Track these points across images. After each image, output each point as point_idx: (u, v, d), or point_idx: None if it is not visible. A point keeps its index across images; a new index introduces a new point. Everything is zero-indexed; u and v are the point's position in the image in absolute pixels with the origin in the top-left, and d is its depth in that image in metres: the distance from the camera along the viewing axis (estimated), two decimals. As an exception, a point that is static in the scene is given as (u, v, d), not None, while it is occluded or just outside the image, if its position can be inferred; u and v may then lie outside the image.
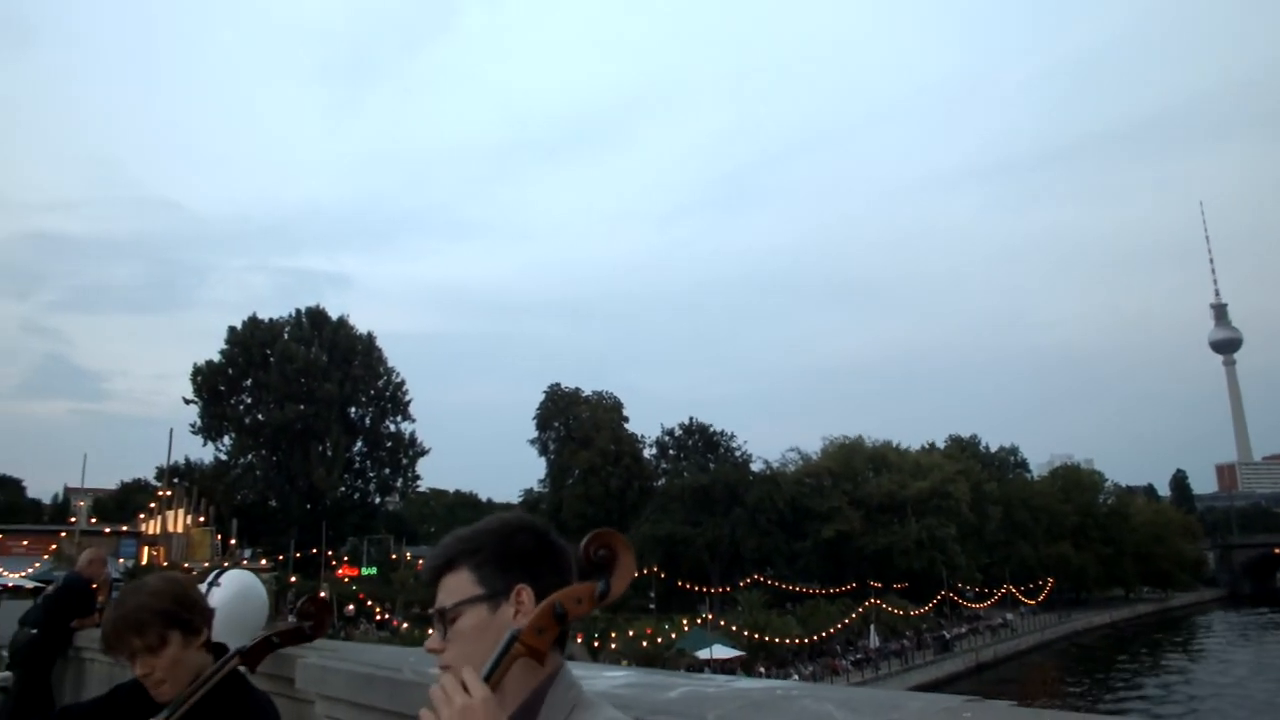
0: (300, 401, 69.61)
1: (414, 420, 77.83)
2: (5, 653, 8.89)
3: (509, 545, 1.53)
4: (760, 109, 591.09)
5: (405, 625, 47.95)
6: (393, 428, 76.93)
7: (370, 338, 76.64)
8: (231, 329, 72.70)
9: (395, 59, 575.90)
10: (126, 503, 68.12)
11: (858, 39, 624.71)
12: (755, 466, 79.52)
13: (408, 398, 77.39)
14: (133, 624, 2.52)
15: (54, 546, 45.13)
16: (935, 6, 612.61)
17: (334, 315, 75.73)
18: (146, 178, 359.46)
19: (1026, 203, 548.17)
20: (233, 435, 71.38)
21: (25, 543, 48.53)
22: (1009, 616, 73.58)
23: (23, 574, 39.34)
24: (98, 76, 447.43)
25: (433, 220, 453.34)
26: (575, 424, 78.27)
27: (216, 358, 71.62)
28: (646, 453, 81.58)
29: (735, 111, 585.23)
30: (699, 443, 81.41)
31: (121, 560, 43.72)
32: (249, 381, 71.48)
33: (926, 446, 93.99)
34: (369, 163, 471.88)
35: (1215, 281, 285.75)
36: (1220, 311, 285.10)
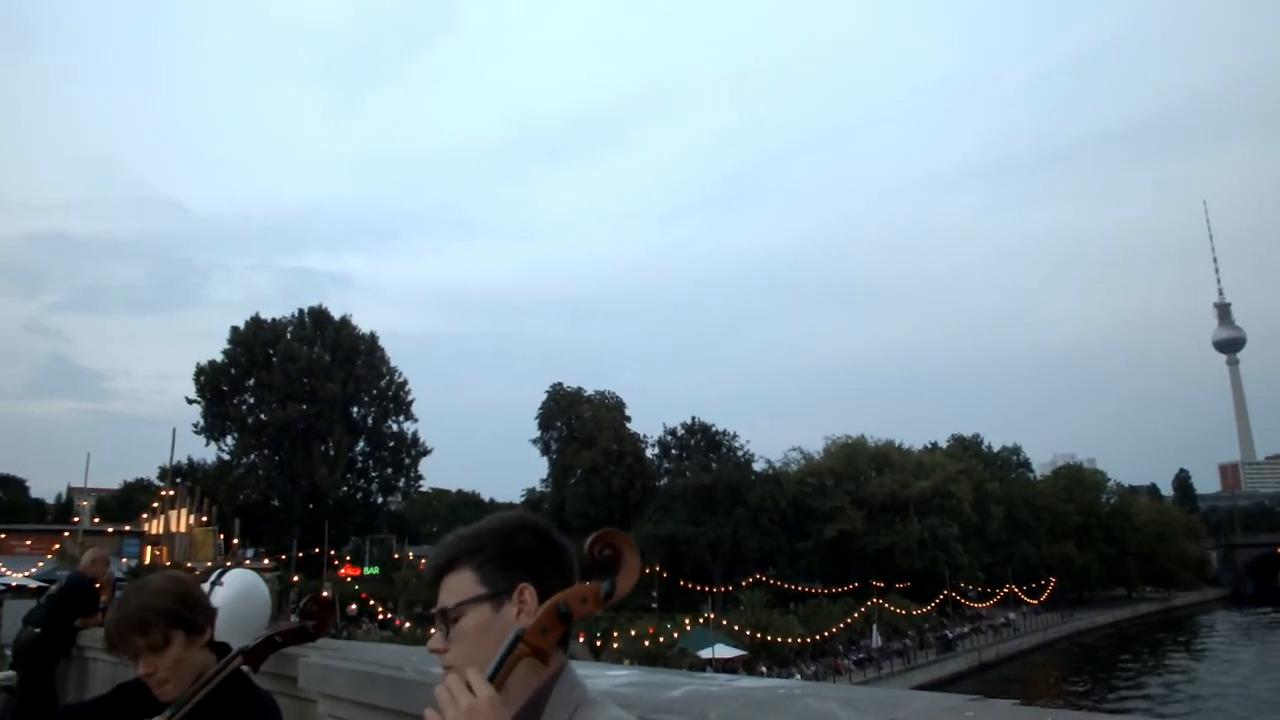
0: (303, 401, 69.70)
1: (416, 420, 78.02)
2: (9, 652, 8.90)
3: (511, 544, 1.53)
4: (760, 109, 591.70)
5: (408, 625, 47.98)
6: (395, 427, 77.05)
7: (373, 337, 76.77)
8: (234, 329, 72.81)
9: (397, 59, 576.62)
10: (129, 502, 68.28)
11: (858, 39, 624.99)
12: (757, 466, 79.64)
13: (410, 397, 77.55)
14: (136, 623, 2.53)
15: (57, 546, 45.26)
16: (935, 6, 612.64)
17: (336, 315, 75.93)
18: (149, 178, 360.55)
19: (1027, 202, 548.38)
20: (235, 435, 71.50)
21: (29, 542, 48.66)
22: (1011, 616, 73.52)
23: (26, 573, 39.43)
24: (99, 77, 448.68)
25: (434, 220, 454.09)
26: (577, 423, 78.28)
27: (219, 357, 71.72)
28: (649, 452, 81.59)
29: (736, 111, 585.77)
30: (701, 442, 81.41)
31: (124, 560, 43.81)
32: (252, 381, 71.57)
33: (929, 446, 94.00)
34: (371, 162, 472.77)
35: (1219, 281, 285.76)
36: (1224, 311, 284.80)
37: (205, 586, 3.58)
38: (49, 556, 43.46)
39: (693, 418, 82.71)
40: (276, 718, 2.75)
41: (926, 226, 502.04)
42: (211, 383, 70.71)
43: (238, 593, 3.84)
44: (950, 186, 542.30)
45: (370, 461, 76.41)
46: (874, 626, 56.23)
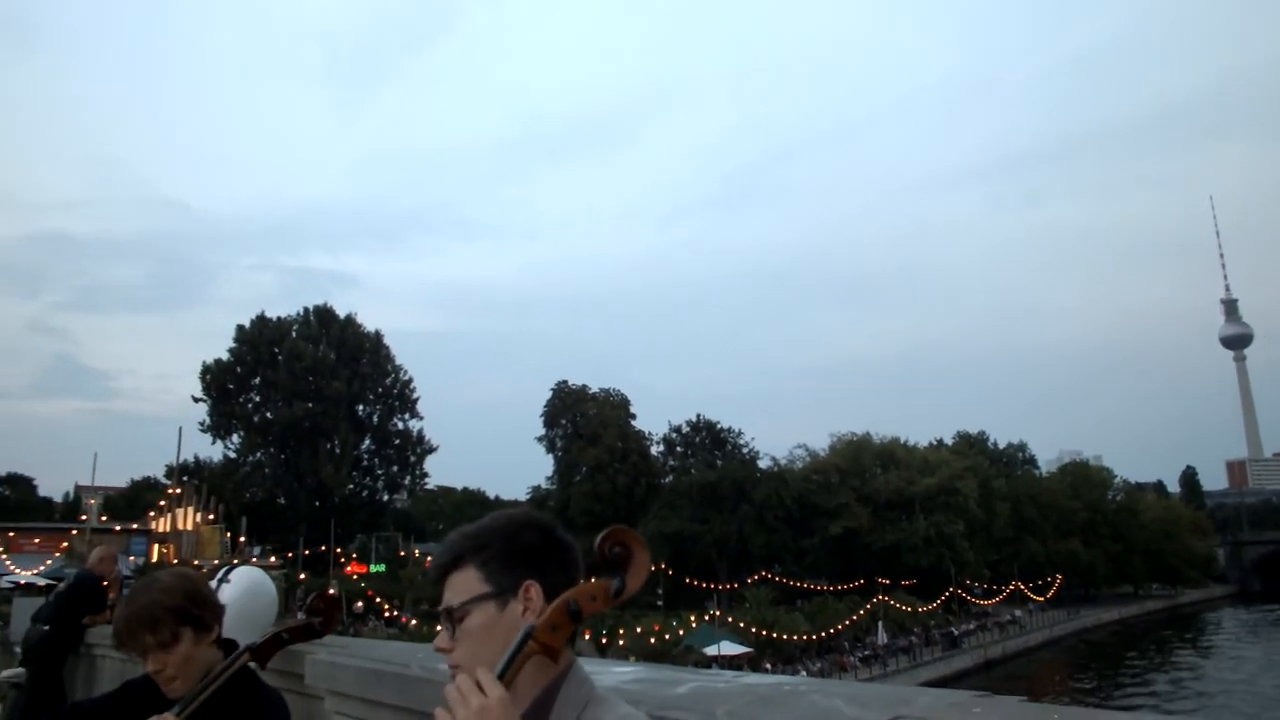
0: (308, 399, 69.79)
1: (422, 418, 78.03)
2: (18, 649, 8.95)
3: (515, 542, 1.52)
4: (761, 108, 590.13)
5: (414, 622, 48.06)
6: (400, 425, 77.11)
7: (378, 336, 76.83)
8: (240, 327, 72.93)
9: (399, 58, 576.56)
10: (136, 501, 68.39)
11: (859, 37, 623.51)
12: (763, 463, 79.65)
13: (415, 395, 77.61)
14: (145, 620, 2.54)
15: (65, 544, 45.39)
16: (936, 6, 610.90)
17: (341, 314, 75.99)
18: (150, 177, 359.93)
19: (1030, 199, 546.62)
20: (241, 433, 71.64)
21: (37, 541, 48.77)
22: (1017, 613, 73.43)
23: (34, 571, 39.66)
24: (100, 76, 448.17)
25: (438, 219, 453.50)
26: (583, 421, 78.34)
27: (225, 356, 71.86)
28: (654, 450, 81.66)
29: (736, 110, 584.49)
30: (706, 440, 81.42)
31: (132, 558, 43.94)
32: (257, 380, 71.69)
33: (934, 443, 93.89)
34: (373, 162, 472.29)
35: (1225, 276, 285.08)
36: (1230, 307, 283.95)
37: (212, 584, 3.59)
38: (57, 555, 43.62)
39: (697, 415, 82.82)
40: (284, 714, 2.76)
41: (929, 224, 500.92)
42: (217, 381, 70.85)
43: (244, 590, 3.85)
44: (952, 184, 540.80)
45: (376, 459, 76.49)
46: (879, 624, 56.19)
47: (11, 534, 48.59)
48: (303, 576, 51.77)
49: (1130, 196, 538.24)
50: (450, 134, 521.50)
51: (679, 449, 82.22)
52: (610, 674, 2.27)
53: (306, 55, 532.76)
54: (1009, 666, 56.78)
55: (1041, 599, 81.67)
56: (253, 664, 2.85)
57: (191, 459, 69.24)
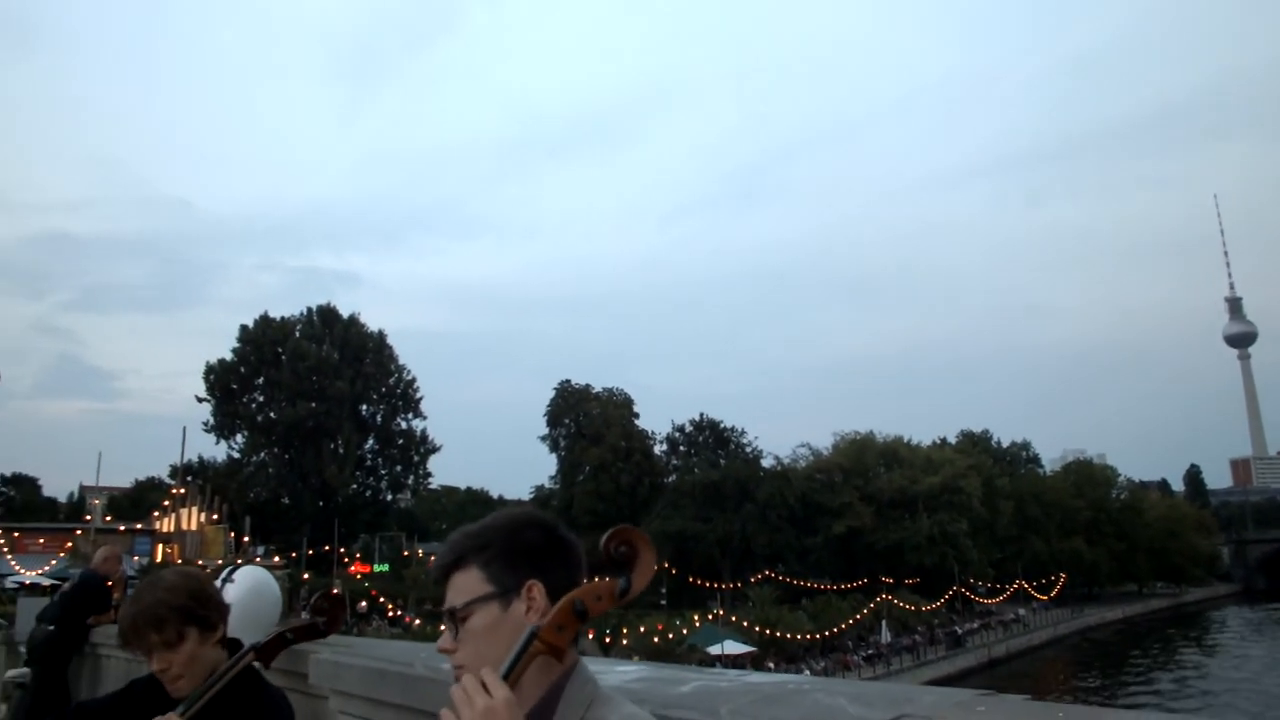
0: (312, 399, 69.89)
1: (425, 417, 78.12)
2: (23, 649, 8.97)
3: (517, 541, 1.52)
4: (762, 107, 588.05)
5: (418, 622, 48.14)
6: (404, 425, 77.19)
7: (381, 335, 76.93)
8: (243, 327, 73.05)
9: (400, 58, 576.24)
10: (141, 501, 68.62)
11: (861, 36, 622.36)
12: (766, 462, 79.60)
13: (419, 395, 77.68)
14: (151, 619, 2.54)
15: (70, 544, 45.53)
16: (937, 5, 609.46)
17: (344, 313, 76.09)
18: (153, 177, 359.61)
19: (1034, 198, 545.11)
20: (245, 433, 71.74)
21: (41, 541, 48.94)
22: (1021, 612, 73.40)
23: (39, 571, 39.78)
24: (99, 76, 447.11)
25: (439, 218, 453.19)
26: (586, 420, 78.38)
27: (228, 356, 71.97)
28: (657, 449, 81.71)
29: (737, 110, 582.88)
30: (709, 439, 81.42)
31: (136, 558, 44.05)
32: (261, 379, 71.79)
33: (938, 442, 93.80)
34: (376, 161, 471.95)
35: (1230, 275, 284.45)
36: (1235, 305, 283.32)
37: (216, 583, 3.60)
38: (62, 554, 43.75)
39: (701, 414, 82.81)
40: (288, 714, 2.76)
41: (930, 223, 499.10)
42: (221, 381, 70.96)
43: (249, 589, 3.86)
44: (954, 184, 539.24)
45: (379, 459, 76.58)
46: (883, 622, 56.17)
47: (16, 534, 48.75)
48: (306, 576, 51.91)
49: (1132, 195, 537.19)
50: (451, 133, 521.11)
51: (682, 448, 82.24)
52: (614, 673, 2.27)
53: (308, 55, 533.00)
54: (1013, 665, 56.73)
55: (1045, 598, 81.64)
56: (257, 664, 2.86)
57: (195, 459, 69.41)
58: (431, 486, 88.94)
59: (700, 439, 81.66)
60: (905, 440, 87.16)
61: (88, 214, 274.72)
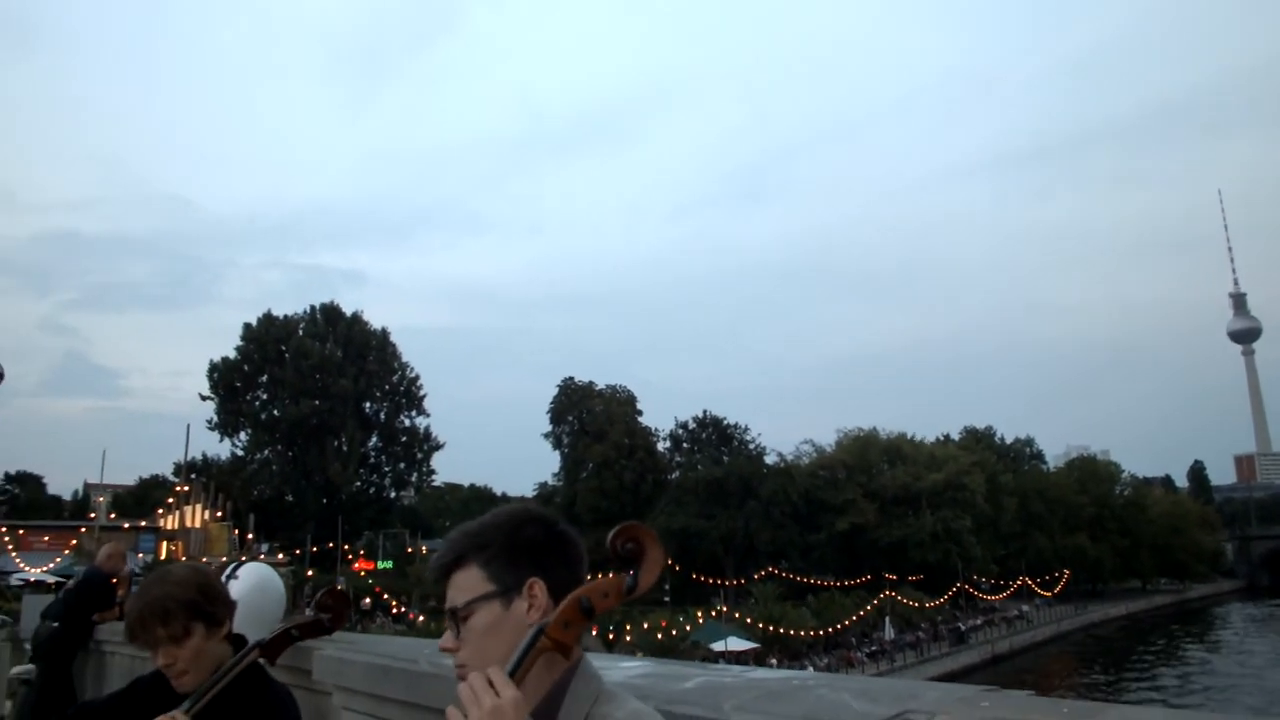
0: (315, 397, 69.98)
1: (428, 415, 78.21)
2: (28, 646, 8.99)
3: (517, 538, 1.51)
4: (767, 104, 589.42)
5: (421, 618, 48.17)
6: (407, 422, 77.28)
7: (384, 333, 76.97)
8: (247, 325, 73.16)
9: (404, 55, 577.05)
10: (145, 498, 68.59)
11: (862, 36, 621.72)
12: (769, 459, 79.61)
13: (422, 392, 77.74)
14: (158, 612, 2.54)
15: (74, 542, 45.57)
16: (940, 2, 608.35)
17: (348, 311, 76.16)
18: (156, 176, 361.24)
19: (1041, 192, 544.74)
20: (249, 431, 71.87)
21: (46, 538, 49.00)
22: (1025, 608, 73.34)
23: (44, 569, 39.81)
24: (103, 75, 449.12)
25: (445, 216, 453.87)
26: (589, 417, 78.39)
27: (232, 354, 72.09)
28: (660, 446, 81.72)
29: (742, 107, 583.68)
30: (713, 435, 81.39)
31: (141, 555, 44.10)
32: (265, 377, 71.88)
33: (941, 438, 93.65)
34: (380, 159, 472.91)
35: (1234, 270, 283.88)
36: (1239, 301, 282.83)
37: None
38: (66, 552, 43.77)
39: (704, 411, 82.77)
40: (294, 710, 2.77)
41: (934, 220, 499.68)
42: (225, 379, 71.08)
43: (253, 586, 3.86)
44: (957, 181, 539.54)
45: (383, 456, 76.66)
46: (887, 619, 56.11)
47: (21, 532, 48.77)
48: (310, 573, 52.00)
49: (1134, 192, 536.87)
50: (455, 131, 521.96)
51: (685, 445, 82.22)
52: (618, 669, 2.27)
53: (310, 54, 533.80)
54: (1016, 662, 56.67)
55: (1049, 594, 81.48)
56: (262, 660, 2.86)
57: (199, 457, 69.51)
58: (435, 484, 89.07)
59: (703, 436, 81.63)
60: (909, 437, 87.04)
61: (92, 213, 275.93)
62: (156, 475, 76.14)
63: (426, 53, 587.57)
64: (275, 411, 71.21)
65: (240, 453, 72.04)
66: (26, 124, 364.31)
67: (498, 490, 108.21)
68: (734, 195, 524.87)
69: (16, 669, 8.87)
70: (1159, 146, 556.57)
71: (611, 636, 43.30)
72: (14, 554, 43.76)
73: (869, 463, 79.85)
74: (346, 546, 62.08)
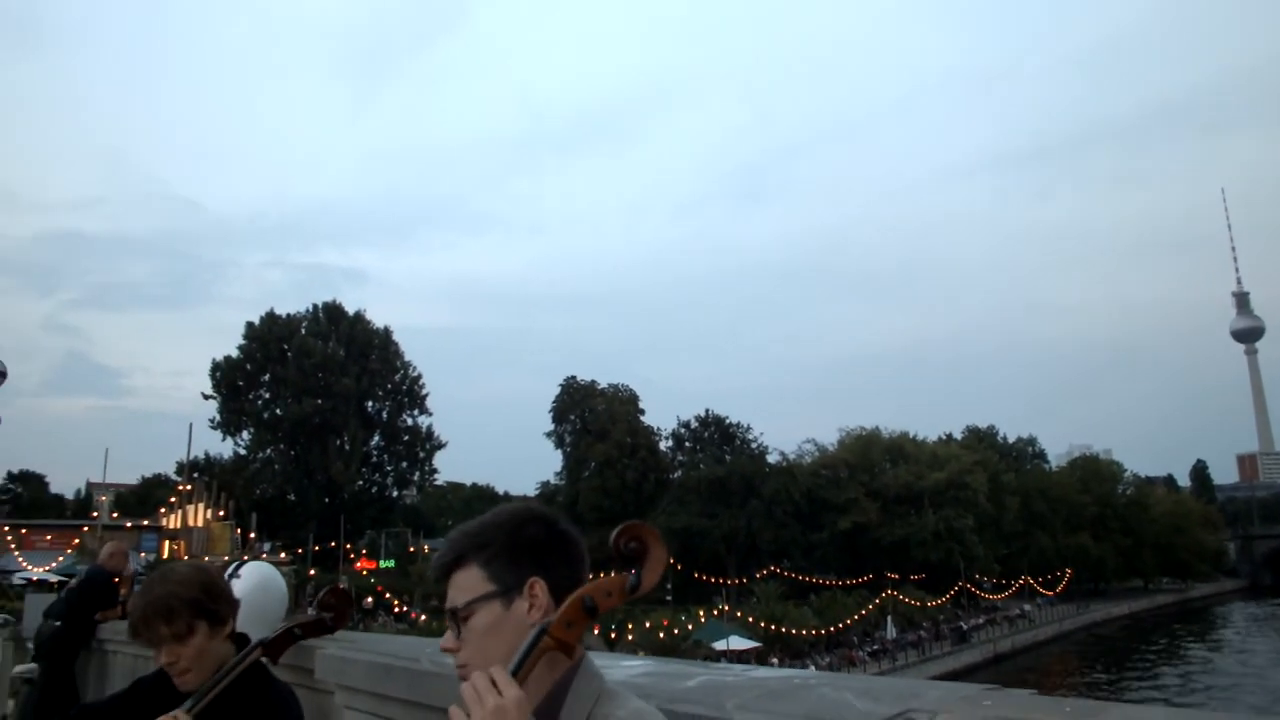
0: (318, 396, 70.04)
1: (431, 414, 78.31)
2: (30, 645, 9.00)
3: (518, 537, 1.50)
4: (770, 103, 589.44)
5: (423, 617, 48.22)
6: (410, 421, 77.36)
7: (387, 332, 77.02)
8: (249, 324, 73.24)
9: (407, 55, 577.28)
10: (147, 497, 68.63)
11: (866, 33, 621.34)
12: (771, 458, 79.62)
13: (424, 391, 77.82)
14: (162, 610, 2.54)
15: (77, 541, 45.58)
16: (942, 1, 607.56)
17: (351, 310, 76.24)
18: (159, 175, 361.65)
19: (1041, 192, 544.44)
20: (251, 430, 71.94)
21: (49, 537, 49.00)
22: (1027, 607, 73.25)
23: (46, 568, 39.86)
24: (108, 75, 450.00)
25: (446, 215, 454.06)
26: (591, 417, 78.38)
27: (235, 353, 72.16)
28: (662, 445, 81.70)
29: (746, 105, 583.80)
30: (715, 435, 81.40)
31: (143, 554, 44.12)
32: (267, 376, 71.96)
33: (944, 437, 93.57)
34: (382, 158, 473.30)
35: (1237, 269, 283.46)
36: (1242, 300, 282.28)
37: (223, 579, 3.60)
38: (69, 551, 43.79)
39: (706, 410, 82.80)
40: (296, 709, 2.77)
41: (936, 220, 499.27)
42: (227, 378, 71.15)
43: (255, 585, 3.86)
44: (959, 180, 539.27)
45: (385, 455, 76.73)
46: (888, 618, 56.11)
47: (24, 531, 48.81)
48: (313, 572, 52.06)
49: (1136, 192, 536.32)
50: (457, 130, 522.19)
51: (687, 444, 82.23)
52: (620, 668, 2.27)
53: (313, 53, 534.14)
54: (1018, 661, 56.61)
55: (1051, 593, 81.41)
56: (264, 659, 2.86)
57: (202, 456, 69.61)
58: (437, 483, 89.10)
59: (705, 435, 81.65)
60: (911, 436, 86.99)
61: (95, 212, 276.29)
62: (159, 474, 76.21)
63: (428, 52, 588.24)
64: (278, 410, 71.28)
65: (243, 452, 72.17)
66: (28, 124, 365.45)
67: (500, 489, 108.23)
68: (734, 195, 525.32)
69: (19, 668, 8.88)
70: (1160, 146, 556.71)
71: (614, 635, 43.33)
72: (16, 553, 43.79)
73: (871, 462, 79.83)
74: (349, 545, 62.11)
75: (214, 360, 71.75)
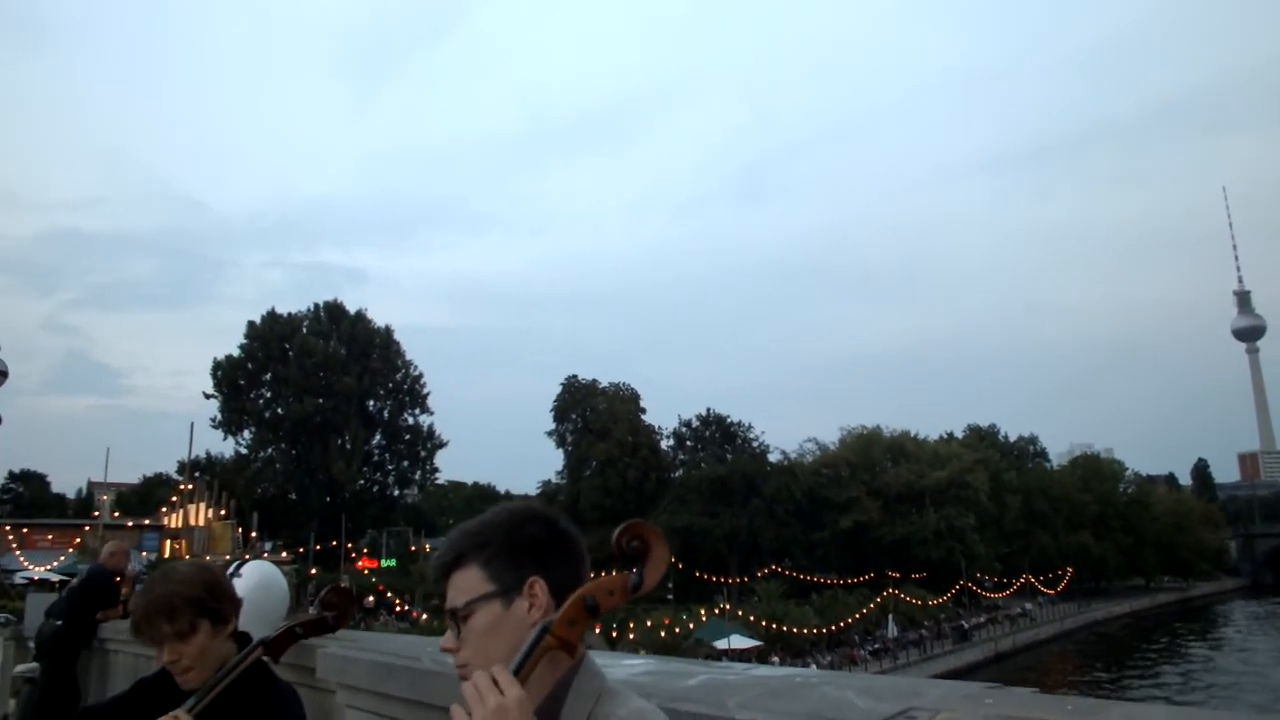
0: (319, 395, 70.06)
1: (432, 413, 78.33)
2: (32, 644, 9.01)
3: (517, 537, 1.50)
4: (772, 102, 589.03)
5: (425, 616, 48.23)
6: (411, 420, 77.37)
7: (388, 331, 77.04)
8: (250, 324, 73.26)
9: (408, 54, 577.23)
10: (149, 497, 68.68)
11: (868, 31, 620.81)
12: (773, 457, 79.57)
13: (426, 390, 77.83)
14: (164, 609, 2.54)
15: (78, 540, 45.61)
16: (942, 0, 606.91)
17: (352, 309, 76.24)
18: (160, 174, 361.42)
19: (1041, 191, 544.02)
20: (253, 429, 71.99)
21: (50, 537, 49.04)
22: (1028, 606, 73.21)
23: (48, 567, 39.93)
24: (108, 75, 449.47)
25: (448, 214, 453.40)
26: (592, 415, 78.39)
27: (236, 352, 72.21)
28: (664, 444, 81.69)
29: (748, 104, 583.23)
30: (716, 434, 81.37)
31: (144, 554, 44.15)
32: (268, 376, 72.00)
33: (945, 436, 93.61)
34: (384, 157, 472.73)
35: (1238, 268, 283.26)
36: (1243, 298, 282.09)
37: (224, 578, 3.60)
38: (70, 551, 43.83)
39: (707, 409, 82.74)
40: (298, 708, 2.77)
41: (937, 218, 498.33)
42: (228, 377, 71.18)
43: (256, 584, 3.86)
44: (959, 179, 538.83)
45: (386, 454, 76.76)
46: (890, 617, 56.12)
47: (25, 530, 48.85)
48: (314, 571, 52.04)
49: (1137, 191, 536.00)
50: (458, 129, 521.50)
51: (689, 443, 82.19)
52: (621, 667, 2.27)
53: (314, 52, 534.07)
54: (1020, 659, 56.63)
55: (1052, 592, 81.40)
56: (265, 658, 2.86)
57: (203, 455, 69.69)
58: (439, 482, 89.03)
59: (707, 434, 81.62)
60: (912, 435, 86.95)
61: (95, 212, 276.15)
62: (160, 473, 76.28)
63: (428, 52, 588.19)
64: (279, 409, 71.30)
65: (244, 451, 72.22)
66: (29, 123, 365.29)
67: (501, 488, 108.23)
68: (735, 194, 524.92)
69: (20, 667, 8.88)
70: (1160, 145, 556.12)
71: (615, 634, 43.33)
72: (18, 552, 43.85)
73: (872, 461, 79.84)
74: (350, 544, 62.14)
75: (215, 359, 71.87)
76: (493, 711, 1.24)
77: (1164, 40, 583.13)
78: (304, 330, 73.27)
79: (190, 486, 53.07)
